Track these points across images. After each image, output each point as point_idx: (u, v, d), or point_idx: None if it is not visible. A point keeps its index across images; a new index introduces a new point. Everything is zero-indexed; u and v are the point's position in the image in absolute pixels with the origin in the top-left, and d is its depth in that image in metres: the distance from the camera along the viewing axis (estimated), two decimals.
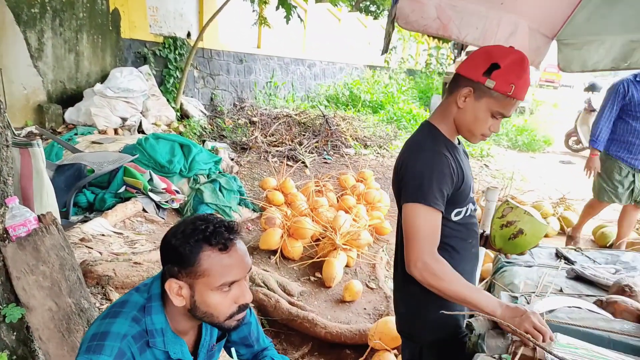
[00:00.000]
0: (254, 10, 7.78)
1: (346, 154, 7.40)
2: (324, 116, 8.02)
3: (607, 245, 4.38)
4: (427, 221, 1.38)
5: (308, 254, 3.83)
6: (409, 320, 1.61)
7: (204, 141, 6.48)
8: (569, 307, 1.62)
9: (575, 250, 2.53)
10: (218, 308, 1.16)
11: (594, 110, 9.39)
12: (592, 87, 9.88)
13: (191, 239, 1.12)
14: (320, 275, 3.59)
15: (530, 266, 2.22)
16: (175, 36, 7.11)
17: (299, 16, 6.95)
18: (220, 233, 1.14)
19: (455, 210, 1.50)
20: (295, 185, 5.18)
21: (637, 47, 1.91)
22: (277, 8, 6.78)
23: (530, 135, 10.70)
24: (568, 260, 2.26)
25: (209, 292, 1.14)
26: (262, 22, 7.83)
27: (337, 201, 4.80)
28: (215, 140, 6.89)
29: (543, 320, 1.29)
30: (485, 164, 7.92)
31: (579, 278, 2.04)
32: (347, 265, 3.80)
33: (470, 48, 12.62)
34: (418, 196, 1.38)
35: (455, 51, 13.50)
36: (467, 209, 1.54)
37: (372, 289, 3.55)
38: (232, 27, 8.53)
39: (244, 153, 6.61)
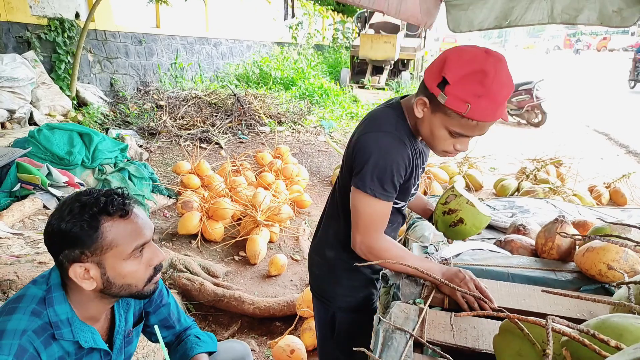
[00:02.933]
0: None
1: (261, 132, 7.33)
2: (235, 95, 7.85)
3: (508, 195, 4.79)
4: (374, 211, 1.34)
5: (230, 234, 3.78)
6: (322, 282, 1.62)
7: (107, 129, 6.07)
8: (472, 249, 1.76)
9: (479, 199, 2.73)
10: (135, 275, 1.14)
11: None
12: None
13: (85, 215, 1.05)
14: (244, 254, 3.56)
15: None
16: (62, 17, 6.50)
17: None
18: (114, 200, 1.09)
19: (396, 204, 1.47)
20: (211, 167, 5.05)
21: (514, 5, 2.07)
22: None
23: None
24: None
25: (122, 263, 1.10)
26: None
27: (256, 179, 4.76)
28: (120, 127, 6.49)
29: (480, 283, 1.34)
30: None
31: None
32: (270, 241, 3.81)
33: (373, 20, 12.88)
34: (367, 187, 1.30)
35: (359, 24, 13.77)
36: (405, 204, 1.53)
37: (297, 260, 3.60)
38: (126, 5, 7.97)
39: (153, 139, 6.30)
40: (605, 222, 1.65)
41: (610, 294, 1.47)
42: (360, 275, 1.56)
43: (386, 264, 1.39)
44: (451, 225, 1.58)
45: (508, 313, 0.92)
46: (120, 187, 1.17)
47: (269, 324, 2.78)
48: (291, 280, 3.30)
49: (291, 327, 2.56)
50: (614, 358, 0.65)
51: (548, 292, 0.96)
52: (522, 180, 4.91)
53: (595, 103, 12.52)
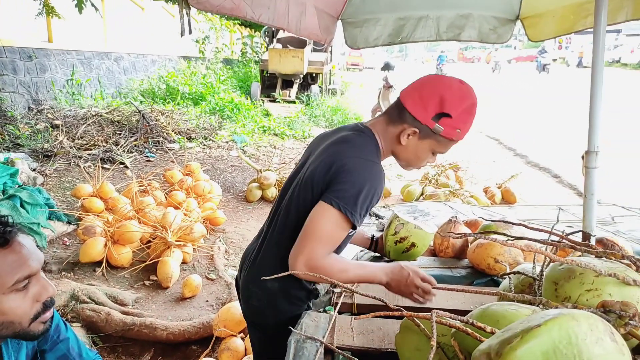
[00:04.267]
0: None
1: (170, 149, 7.08)
2: (139, 112, 7.51)
3: (414, 200, 5.08)
4: (336, 231, 1.31)
5: (139, 258, 3.60)
6: (261, 314, 1.53)
7: None
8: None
9: (384, 207, 2.87)
10: (18, 312, 1.03)
11: (391, 87, 10.67)
12: (387, 66, 11.23)
13: None
14: (155, 278, 3.41)
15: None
16: None
17: (92, 5, 6.30)
18: None
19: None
20: (116, 188, 4.78)
21: (404, 23, 2.24)
22: None
23: (343, 114, 11.67)
24: (378, 216, 2.56)
25: (2, 297, 1.00)
26: (49, 11, 6.89)
27: (165, 198, 4.58)
28: (8, 150, 5.91)
29: (425, 274, 1.36)
30: (307, 144, 8.39)
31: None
32: (183, 262, 3.68)
33: (281, 34, 13.05)
34: (348, 208, 1.27)
35: (267, 39, 13.89)
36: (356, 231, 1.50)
37: (212, 280, 3.52)
38: (12, 18, 7.32)
39: (49, 161, 5.82)
40: (491, 220, 1.82)
41: (499, 284, 1.63)
42: (301, 302, 1.51)
43: (340, 279, 1.32)
44: (404, 251, 1.70)
45: (405, 311, 0.99)
46: (2, 215, 1.08)
47: (184, 348, 2.68)
48: (207, 301, 3.21)
49: (208, 349, 2.50)
50: (486, 342, 0.73)
51: (438, 288, 1.05)
52: (425, 185, 5.24)
53: (486, 110, 13.72)
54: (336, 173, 1.31)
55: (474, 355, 0.72)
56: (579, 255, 1.46)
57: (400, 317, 1.15)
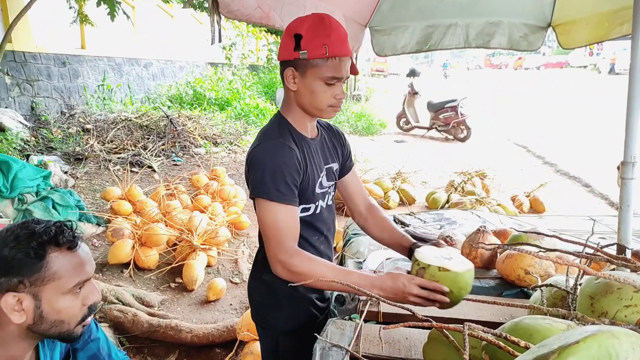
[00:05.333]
0: (71, 7, 7.02)
1: (196, 154, 7.19)
2: (167, 117, 7.66)
3: (439, 208, 5.02)
4: (276, 217, 1.30)
5: (165, 261, 3.65)
6: (262, 309, 1.57)
7: (27, 156, 5.69)
8: (397, 259, 1.83)
9: (409, 214, 2.85)
10: (70, 312, 1.08)
11: (416, 93, 10.60)
12: (412, 73, 11.13)
13: (32, 242, 1.01)
14: (181, 280, 3.45)
15: None
16: None
17: (124, 13, 6.47)
18: (64, 231, 1.06)
19: (301, 207, 1.43)
20: (144, 191, 4.87)
21: (433, 31, 2.23)
22: (99, 4, 6.22)
23: (367, 120, 11.64)
24: (403, 224, 2.54)
25: (60, 297, 1.05)
26: (83, 19, 7.11)
27: (191, 202, 4.65)
28: (42, 153, 6.11)
29: (423, 280, 1.22)
30: None
31: (413, 237, 2.30)
32: (208, 265, 3.73)
33: None
34: (262, 191, 1.31)
35: None
36: (316, 206, 1.48)
37: (236, 284, 3.54)
38: (48, 26, 7.58)
39: (80, 164, 5.99)
40: (522, 231, 1.78)
41: (529, 296, 1.59)
42: (300, 296, 1.52)
43: (320, 283, 1.31)
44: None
45: (434, 322, 0.97)
46: (69, 220, 1.13)
47: (208, 351, 2.70)
48: (231, 304, 3.23)
49: (231, 353, 2.51)
50: (521, 357, 0.71)
51: (468, 299, 1.03)
52: (451, 193, 5.17)
53: (514, 117, 13.49)
54: (246, 166, 1.39)
55: None
56: (614, 269, 1.41)
57: (429, 328, 1.13)
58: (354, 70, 1.38)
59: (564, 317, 0.94)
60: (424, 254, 1.29)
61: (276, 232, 1.30)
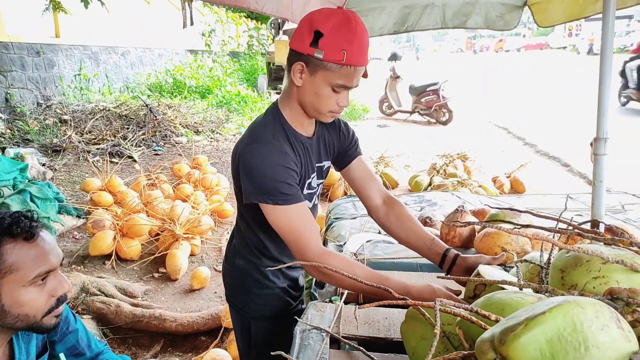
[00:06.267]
0: None
1: (178, 143, 7.11)
2: (147, 106, 7.54)
3: (421, 191, 5.05)
4: (290, 220, 1.26)
5: (148, 251, 3.63)
6: (235, 292, 1.58)
7: (3, 149, 5.56)
8: (377, 241, 1.84)
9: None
10: (34, 305, 1.06)
11: (398, 77, 10.59)
12: (394, 57, 11.12)
13: None
14: (164, 270, 3.44)
15: (354, 217, 2.46)
16: None
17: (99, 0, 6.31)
18: (20, 222, 1.03)
19: None
20: (125, 182, 4.81)
21: (410, 12, 2.22)
22: None
23: (350, 105, 11.60)
24: None
25: (21, 290, 1.03)
26: (56, 7, 6.91)
27: (173, 191, 4.61)
28: (18, 145, 5.97)
29: (451, 294, 1.21)
30: None
31: None
32: (192, 254, 3.71)
33: (287, 26, 13.01)
34: (266, 198, 1.26)
35: (273, 30, 13.83)
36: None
37: (219, 271, 3.54)
38: (20, 14, 7.35)
39: (58, 156, 5.87)
40: (498, 208, 1.81)
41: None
42: (271, 284, 1.51)
43: (341, 283, 1.28)
44: None
45: (410, 300, 0.98)
46: (29, 210, 1.10)
47: (193, 339, 2.70)
48: (215, 292, 3.23)
49: (216, 340, 2.52)
50: (490, 330, 0.72)
51: (442, 277, 1.04)
52: (433, 176, 5.21)
53: (495, 99, 13.59)
54: (238, 167, 1.33)
55: (477, 344, 0.71)
56: (588, 243, 1.44)
57: (405, 307, 1.14)
58: (364, 75, 1.29)
59: (536, 291, 0.95)
60: (488, 271, 1.22)
61: (296, 235, 1.26)
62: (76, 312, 2.66)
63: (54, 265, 1.09)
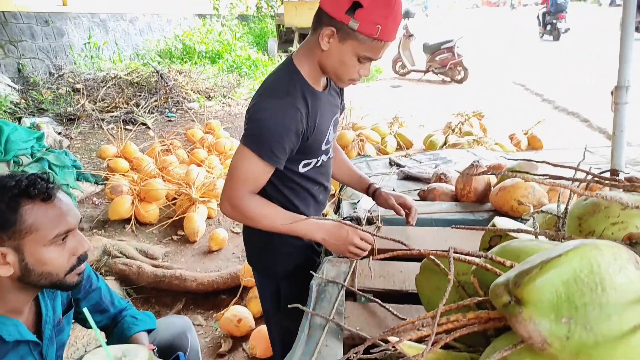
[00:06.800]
0: None
1: (190, 109, 7.11)
2: (157, 72, 7.50)
3: (436, 150, 4.99)
4: (253, 170, 1.30)
5: (166, 215, 3.69)
6: (260, 256, 1.59)
7: (19, 118, 5.63)
8: None
9: (405, 156, 2.84)
10: (56, 264, 1.10)
11: (411, 35, 10.30)
12: (406, 14, 10.76)
13: (4, 197, 1.01)
14: (183, 233, 3.50)
15: (369, 176, 2.45)
16: None
17: None
18: (37, 183, 1.06)
19: (304, 162, 1.42)
20: (139, 148, 4.86)
21: None
22: None
23: None
24: (398, 165, 2.53)
25: (43, 249, 1.06)
26: None
27: (188, 156, 4.64)
28: (33, 115, 6.04)
29: (365, 234, 1.35)
30: None
31: (408, 177, 2.31)
32: (209, 217, 3.77)
33: None
34: (254, 145, 1.28)
35: None
36: (318, 160, 1.46)
37: (237, 233, 3.59)
38: None
39: (73, 124, 5.93)
40: (513, 159, 1.78)
41: None
42: (297, 241, 1.51)
43: (258, 225, 1.37)
44: None
45: (424, 250, 0.98)
46: (44, 172, 1.13)
47: (213, 298, 2.78)
48: (233, 253, 3.30)
49: (236, 298, 2.59)
50: (504, 274, 0.72)
51: (457, 227, 1.04)
52: (448, 135, 5.14)
53: (512, 56, 13.19)
54: (247, 115, 1.33)
55: (491, 288, 0.71)
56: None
57: (419, 260, 1.15)
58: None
59: (552, 239, 0.94)
60: (504, 222, 1.23)
61: (243, 180, 1.31)
62: (99, 274, 2.76)
63: (72, 226, 1.12)
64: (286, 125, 1.27)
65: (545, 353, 0.64)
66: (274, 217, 1.35)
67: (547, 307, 0.63)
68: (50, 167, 4.00)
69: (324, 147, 1.45)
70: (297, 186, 1.45)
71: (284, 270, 1.55)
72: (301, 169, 1.43)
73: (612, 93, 1.59)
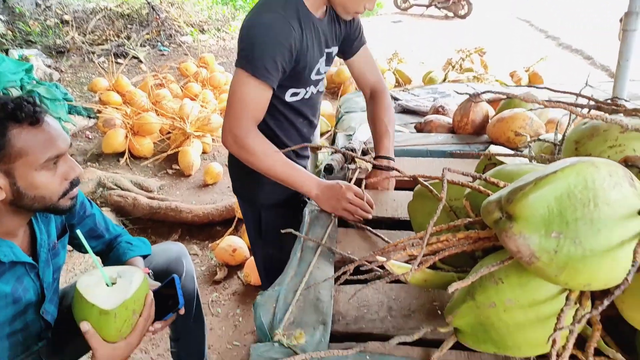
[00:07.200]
0: None
1: (183, 43, 6.87)
2: (148, 3, 7.17)
3: None
4: (249, 92, 1.26)
5: (160, 149, 3.67)
6: (243, 183, 1.58)
7: (6, 50, 5.44)
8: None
9: (403, 90, 2.78)
10: (49, 188, 1.09)
11: None
12: None
13: None
14: (178, 167, 3.50)
15: (364, 110, 2.41)
16: None
17: None
18: (23, 107, 1.03)
19: (292, 91, 1.39)
20: (132, 82, 4.74)
21: None
22: None
23: None
24: (396, 99, 2.47)
25: (34, 173, 1.05)
26: None
27: (181, 91, 4.54)
28: (21, 47, 5.83)
29: (359, 190, 1.27)
30: None
31: (405, 111, 2.27)
32: (204, 152, 3.75)
33: None
34: (246, 62, 1.23)
35: None
36: (307, 92, 1.43)
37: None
38: None
39: (63, 57, 5.74)
40: (512, 87, 1.73)
41: None
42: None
43: (258, 164, 1.32)
44: None
45: (416, 175, 0.97)
46: (30, 95, 1.09)
47: (209, 229, 2.82)
48: (228, 187, 3.30)
49: (231, 229, 2.62)
50: (498, 192, 0.71)
51: (453, 155, 1.02)
52: (448, 71, 5.02)
53: None
54: (240, 33, 1.29)
55: (483, 205, 0.70)
56: None
57: (412, 189, 1.14)
58: None
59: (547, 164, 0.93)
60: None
61: (242, 105, 1.27)
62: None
63: (62, 150, 1.10)
64: (279, 40, 1.22)
65: (532, 267, 0.64)
66: (275, 160, 1.30)
67: (538, 222, 0.62)
68: (41, 100, 3.91)
69: (314, 77, 1.40)
70: (281, 116, 1.43)
71: (265, 199, 1.55)
72: (288, 98, 1.40)
73: (621, 20, 1.52)
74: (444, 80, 4.87)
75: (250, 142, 1.28)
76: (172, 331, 1.64)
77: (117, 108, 3.97)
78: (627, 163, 0.79)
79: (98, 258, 1.47)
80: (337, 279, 0.84)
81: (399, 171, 1.21)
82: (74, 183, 1.16)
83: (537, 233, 0.62)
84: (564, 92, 1.11)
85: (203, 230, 2.80)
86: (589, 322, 0.71)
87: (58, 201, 1.13)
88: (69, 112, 4.10)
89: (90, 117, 4.18)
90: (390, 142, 1.49)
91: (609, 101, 1.41)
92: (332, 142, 2.31)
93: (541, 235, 0.62)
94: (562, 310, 0.66)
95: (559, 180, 0.63)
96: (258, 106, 1.29)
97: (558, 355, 0.68)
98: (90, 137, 3.94)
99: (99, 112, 3.90)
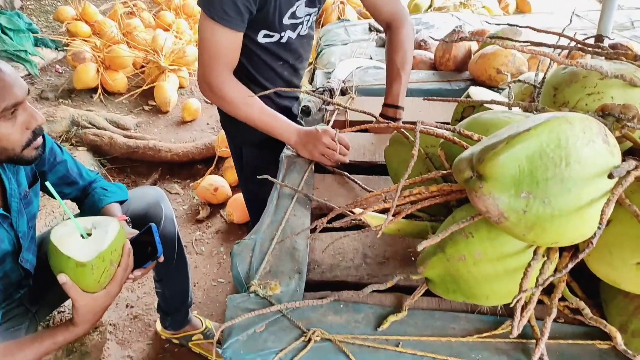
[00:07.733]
0: None
1: None
2: None
3: (421, 13, 4.70)
4: (215, 39, 1.21)
5: (135, 84, 3.52)
6: (226, 117, 1.53)
7: None
8: (367, 67, 1.75)
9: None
10: (10, 138, 1.06)
11: None
12: None
13: None
14: (154, 103, 3.39)
15: (346, 44, 2.32)
16: None
17: None
18: None
19: (264, 32, 1.32)
20: (101, 10, 4.43)
21: None
22: None
23: None
24: (378, 31, 2.38)
25: None
26: None
27: (154, 20, 4.28)
28: None
29: (335, 134, 1.19)
30: None
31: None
32: (180, 87, 3.62)
33: None
34: (207, 7, 1.18)
35: None
36: (282, 36, 1.35)
37: (211, 103, 3.49)
38: None
39: None
40: (495, 24, 1.68)
41: None
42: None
43: (235, 112, 1.30)
44: None
45: (392, 124, 0.95)
46: None
47: (189, 167, 2.79)
48: (207, 124, 3.24)
49: (212, 167, 2.60)
50: (470, 149, 0.70)
51: (429, 99, 0.99)
52: None
53: None
54: None
55: (454, 163, 0.69)
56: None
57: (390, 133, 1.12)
58: None
59: (525, 111, 0.91)
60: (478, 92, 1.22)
61: (212, 52, 1.23)
62: (70, 145, 2.71)
63: (19, 98, 1.05)
64: None
65: (501, 226, 0.65)
66: (254, 108, 1.28)
67: (508, 182, 0.61)
68: (3, 31, 3.67)
69: (287, 22, 1.32)
70: (256, 57, 1.38)
71: (245, 135, 1.53)
72: (260, 39, 1.34)
73: None
74: (430, 6, 4.67)
75: (225, 90, 1.25)
76: (155, 273, 1.67)
77: (86, 40, 3.75)
78: (604, 112, 0.78)
79: (74, 205, 1.46)
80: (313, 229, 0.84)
81: (375, 117, 1.18)
82: (37, 132, 1.12)
83: (507, 193, 0.62)
84: (547, 32, 1.06)
85: (183, 168, 2.78)
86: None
87: (22, 152, 1.11)
88: (35, 44, 3.86)
89: (58, 49, 3.95)
90: (401, 87, 1.40)
91: (592, 40, 1.38)
92: (311, 79, 2.24)
93: (510, 195, 0.61)
94: (529, 264, 0.68)
95: (531, 138, 0.62)
96: (227, 51, 1.24)
97: (526, 304, 0.71)
98: (60, 71, 3.76)
99: (68, 44, 3.68)
